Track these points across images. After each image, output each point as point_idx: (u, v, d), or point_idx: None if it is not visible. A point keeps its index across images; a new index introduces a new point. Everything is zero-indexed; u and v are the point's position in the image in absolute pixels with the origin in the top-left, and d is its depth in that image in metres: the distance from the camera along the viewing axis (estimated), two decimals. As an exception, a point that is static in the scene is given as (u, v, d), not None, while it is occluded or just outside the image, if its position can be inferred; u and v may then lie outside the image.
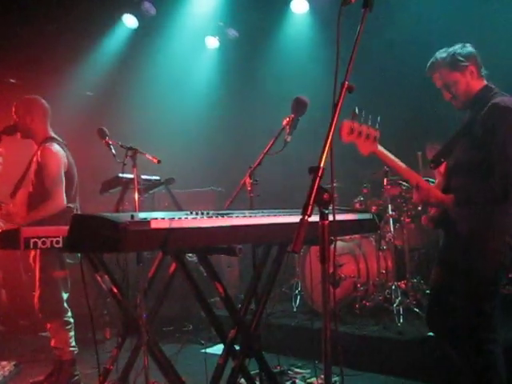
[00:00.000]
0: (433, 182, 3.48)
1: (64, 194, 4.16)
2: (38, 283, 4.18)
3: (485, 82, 3.10)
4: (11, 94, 6.49)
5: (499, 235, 2.92)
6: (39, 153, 4.21)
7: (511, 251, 2.94)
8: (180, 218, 2.36)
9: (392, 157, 3.01)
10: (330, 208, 1.87)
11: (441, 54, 3.14)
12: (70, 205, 4.21)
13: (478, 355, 2.94)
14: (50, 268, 4.16)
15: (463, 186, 3.01)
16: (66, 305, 4.27)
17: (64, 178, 4.21)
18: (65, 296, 4.27)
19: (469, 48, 3.11)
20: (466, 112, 3.18)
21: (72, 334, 4.27)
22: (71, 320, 4.27)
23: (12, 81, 6.89)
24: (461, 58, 3.05)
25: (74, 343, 4.27)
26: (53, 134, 4.38)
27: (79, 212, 4.34)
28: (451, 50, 3.11)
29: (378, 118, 2.83)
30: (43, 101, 4.44)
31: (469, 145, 3.01)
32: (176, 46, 7.45)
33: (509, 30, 5.52)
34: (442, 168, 3.23)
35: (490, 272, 2.93)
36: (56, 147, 4.26)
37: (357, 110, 2.70)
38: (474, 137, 2.97)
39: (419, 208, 5.45)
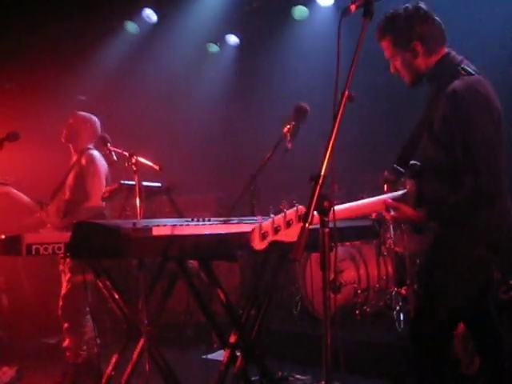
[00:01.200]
0: None
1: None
2: (65, 284, 4.25)
3: (440, 55, 2.65)
4: (8, 99, 6.54)
5: (469, 252, 2.56)
6: (83, 158, 4.41)
7: (495, 254, 2.60)
8: (181, 225, 2.38)
9: (347, 208, 2.57)
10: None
11: (387, 23, 2.68)
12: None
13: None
14: (79, 270, 4.21)
15: (434, 196, 2.60)
16: (87, 308, 4.31)
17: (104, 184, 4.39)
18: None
19: (417, 11, 2.63)
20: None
21: (86, 338, 4.29)
22: (89, 324, 4.29)
23: (7, 86, 6.92)
24: (402, 31, 2.62)
25: (85, 347, 4.29)
26: (90, 146, 4.58)
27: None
28: (397, 12, 2.65)
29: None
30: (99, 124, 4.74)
31: (432, 145, 2.62)
32: (177, 52, 7.48)
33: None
34: (408, 174, 2.72)
35: (458, 294, 2.59)
36: (98, 154, 4.49)
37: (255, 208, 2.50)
38: (434, 133, 2.58)
39: None
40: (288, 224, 2.16)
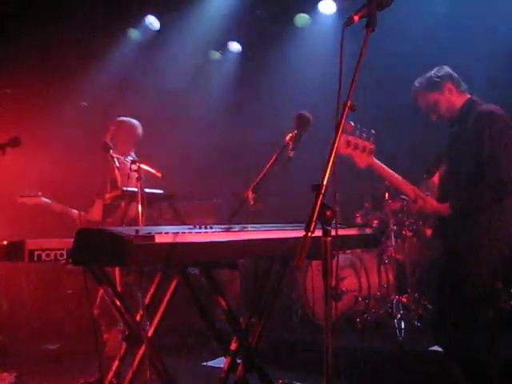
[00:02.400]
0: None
1: None
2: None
3: (468, 96, 3.23)
4: (10, 104, 6.55)
5: (493, 243, 2.96)
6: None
7: (504, 259, 2.98)
8: (184, 233, 2.39)
9: (388, 170, 3.08)
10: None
11: (419, 80, 3.31)
12: None
13: (472, 365, 2.94)
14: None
15: (457, 193, 3.08)
16: None
17: None
18: None
19: (444, 69, 3.27)
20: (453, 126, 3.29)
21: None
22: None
23: (8, 91, 6.93)
24: (436, 79, 3.22)
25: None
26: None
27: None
28: (427, 74, 3.29)
29: (373, 131, 2.88)
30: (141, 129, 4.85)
31: (459, 153, 3.11)
32: (179, 59, 7.51)
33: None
34: (436, 178, 3.30)
35: (485, 281, 2.97)
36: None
37: (352, 123, 2.75)
38: (463, 145, 3.08)
39: (421, 222, 5.46)
40: (363, 149, 2.80)
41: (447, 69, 3.27)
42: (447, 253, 3.21)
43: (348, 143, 2.72)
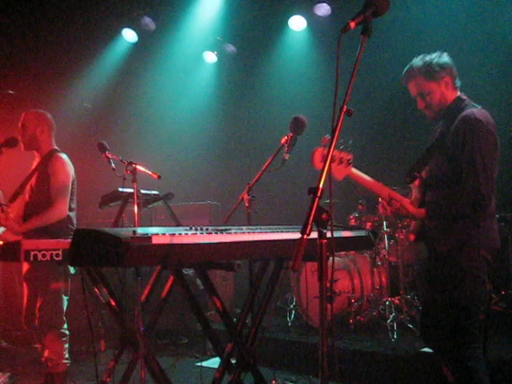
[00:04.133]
0: None
1: (67, 204, 4.21)
2: (39, 293, 4.17)
3: (458, 93, 3.09)
4: (9, 105, 6.55)
5: (474, 250, 2.88)
6: (50, 161, 4.26)
7: (489, 266, 2.91)
8: (180, 234, 2.41)
9: (365, 176, 3.04)
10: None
11: (417, 62, 3.08)
12: (69, 213, 4.26)
13: (460, 371, 2.91)
14: (55, 278, 4.18)
15: (435, 199, 3.01)
16: (64, 316, 4.29)
17: (70, 189, 4.26)
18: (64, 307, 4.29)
19: (445, 58, 3.07)
20: (437, 123, 3.19)
21: (67, 346, 4.28)
22: (67, 332, 4.29)
23: (10, 92, 6.93)
24: (437, 69, 3.02)
25: (67, 355, 4.28)
26: (56, 147, 4.44)
27: (75, 223, 4.38)
28: (428, 58, 3.06)
29: (350, 142, 2.82)
30: (50, 115, 4.50)
31: (441, 158, 3.00)
32: (174, 60, 7.54)
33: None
34: (417, 182, 3.19)
35: (467, 289, 2.88)
36: (66, 158, 4.34)
37: (328, 136, 2.70)
38: (445, 149, 2.97)
39: (399, 226, 5.47)
40: (340, 161, 2.72)
41: (448, 58, 3.07)
42: (430, 258, 3.14)
43: (324, 157, 2.58)
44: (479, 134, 2.86)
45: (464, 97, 3.08)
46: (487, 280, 2.94)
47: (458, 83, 3.10)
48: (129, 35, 7.36)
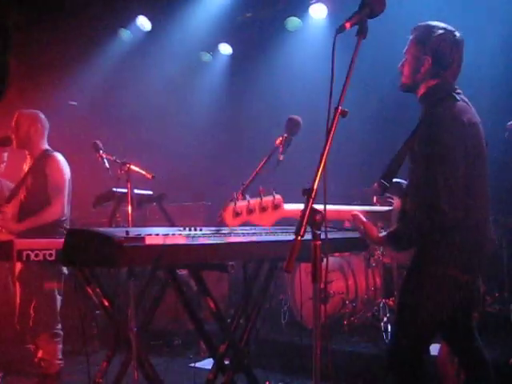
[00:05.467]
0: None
1: (65, 203, 4.23)
2: (33, 293, 4.17)
3: (437, 82, 2.71)
4: (1, 105, 6.52)
5: (443, 271, 2.58)
6: (46, 161, 4.27)
7: (460, 286, 2.61)
8: (174, 235, 2.40)
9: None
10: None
11: (425, 24, 2.74)
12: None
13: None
14: (49, 278, 4.16)
15: (399, 218, 2.70)
16: (58, 316, 4.27)
17: (66, 188, 4.26)
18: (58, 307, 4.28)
19: (449, 35, 2.68)
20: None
21: (60, 346, 4.27)
22: (61, 332, 4.27)
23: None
24: (429, 38, 2.68)
25: (60, 356, 4.26)
26: (48, 147, 4.41)
27: (68, 223, 4.37)
28: (435, 25, 2.71)
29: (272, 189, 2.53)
30: (43, 116, 4.50)
31: (410, 161, 2.69)
32: (170, 60, 7.53)
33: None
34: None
35: (435, 312, 2.62)
36: (62, 158, 4.35)
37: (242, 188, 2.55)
38: (413, 151, 2.65)
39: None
40: (263, 209, 2.27)
41: (451, 40, 2.68)
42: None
43: (236, 214, 2.22)
44: (436, 143, 2.51)
45: (445, 85, 2.70)
46: (473, 288, 2.73)
47: (446, 70, 2.69)
48: (124, 35, 7.35)
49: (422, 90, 2.74)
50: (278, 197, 2.28)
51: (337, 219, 2.81)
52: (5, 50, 4.21)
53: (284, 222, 2.60)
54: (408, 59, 2.76)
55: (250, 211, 2.24)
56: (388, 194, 2.85)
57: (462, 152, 2.52)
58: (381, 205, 2.92)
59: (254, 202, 2.25)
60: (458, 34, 2.70)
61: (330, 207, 2.26)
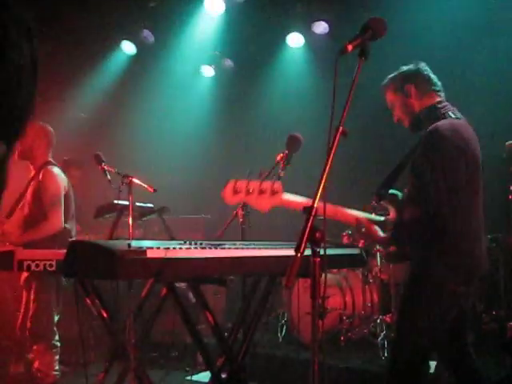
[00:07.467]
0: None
1: (62, 216, 4.21)
2: (31, 304, 4.17)
3: (433, 101, 2.79)
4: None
5: (441, 285, 2.63)
6: (40, 174, 4.25)
7: (459, 299, 2.66)
8: (175, 248, 2.43)
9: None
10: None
11: (391, 75, 2.92)
12: (66, 225, 4.26)
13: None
14: (47, 289, 4.17)
15: (402, 222, 2.74)
16: (55, 328, 4.28)
17: (63, 201, 4.25)
18: (55, 319, 4.28)
19: (411, 66, 2.86)
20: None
21: (57, 357, 4.27)
22: (58, 343, 4.28)
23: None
24: (399, 79, 2.85)
25: (57, 367, 4.26)
26: (51, 159, 4.44)
27: (74, 235, 4.38)
28: (398, 71, 2.90)
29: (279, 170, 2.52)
30: (50, 129, 4.51)
31: (409, 175, 2.76)
32: (172, 73, 7.58)
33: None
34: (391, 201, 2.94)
35: (420, 331, 2.66)
36: (57, 170, 4.33)
37: (248, 171, 2.59)
38: (412, 167, 2.73)
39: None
40: (261, 192, 2.30)
41: (413, 66, 2.85)
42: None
43: (235, 191, 2.28)
44: (438, 152, 2.58)
45: (441, 105, 2.78)
46: (465, 302, 2.78)
47: (431, 89, 2.81)
48: (128, 47, 7.41)
49: (421, 115, 2.83)
50: (278, 183, 2.32)
51: (340, 220, 2.80)
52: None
53: (280, 236, 2.64)
54: (396, 107, 2.89)
55: (249, 192, 2.29)
56: (384, 204, 2.93)
57: (463, 163, 2.61)
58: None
59: (254, 183, 2.29)
60: (420, 65, 2.88)
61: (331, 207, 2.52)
